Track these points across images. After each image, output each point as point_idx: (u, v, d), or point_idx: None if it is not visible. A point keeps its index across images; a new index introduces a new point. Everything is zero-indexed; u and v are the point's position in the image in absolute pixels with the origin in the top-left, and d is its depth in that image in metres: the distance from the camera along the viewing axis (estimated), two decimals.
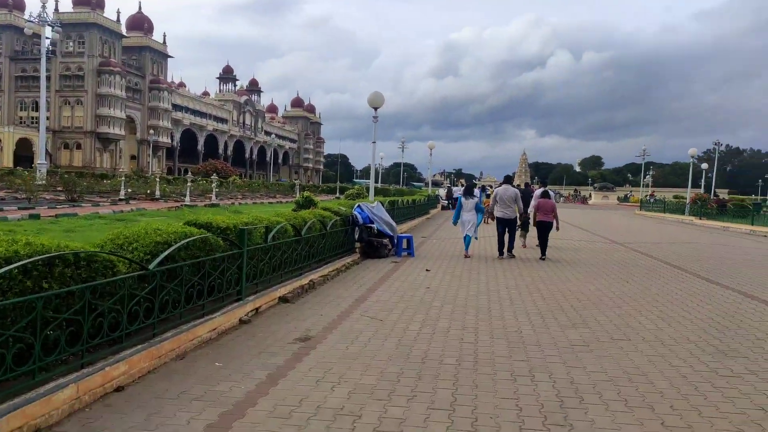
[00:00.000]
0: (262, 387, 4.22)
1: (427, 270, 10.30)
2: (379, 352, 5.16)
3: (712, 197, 38.61)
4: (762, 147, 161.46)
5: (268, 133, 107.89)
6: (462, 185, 43.70)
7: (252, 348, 5.21)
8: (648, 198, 54.23)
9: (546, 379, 4.51)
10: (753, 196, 71.52)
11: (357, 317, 6.50)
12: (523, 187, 16.86)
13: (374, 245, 12.09)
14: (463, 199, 12.87)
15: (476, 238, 12.75)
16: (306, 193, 15.30)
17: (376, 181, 66.16)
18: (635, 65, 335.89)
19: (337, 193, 52.05)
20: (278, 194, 52.49)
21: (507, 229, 12.42)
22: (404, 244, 12.71)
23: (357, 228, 11.86)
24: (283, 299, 7.25)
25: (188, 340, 4.99)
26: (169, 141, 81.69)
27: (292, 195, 48.90)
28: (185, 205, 25.42)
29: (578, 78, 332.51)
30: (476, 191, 13.62)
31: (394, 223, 13.20)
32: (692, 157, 39.48)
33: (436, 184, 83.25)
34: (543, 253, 12.29)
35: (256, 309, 6.52)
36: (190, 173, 44.96)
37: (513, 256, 12.42)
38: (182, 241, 5.13)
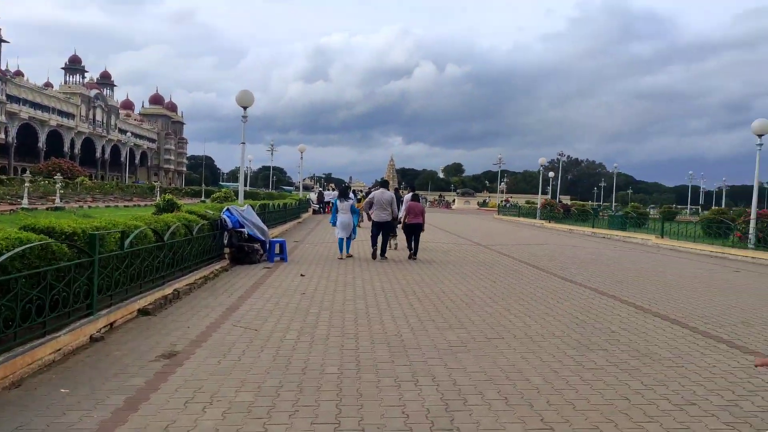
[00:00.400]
0: (119, 414, 3.68)
1: (301, 275, 9.99)
2: (255, 365, 4.79)
3: (558, 203, 42.47)
4: (596, 158, 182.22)
5: (122, 131, 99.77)
6: (332, 189, 43.69)
7: (106, 369, 4.57)
8: (504, 203, 58.34)
9: (429, 382, 4.46)
10: (590, 202, 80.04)
11: (229, 328, 6.04)
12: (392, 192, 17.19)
13: (245, 250, 11.52)
14: (338, 202, 13.04)
15: (353, 238, 13.04)
16: (168, 196, 14.19)
17: (245, 185, 64.05)
18: (491, 80, 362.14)
19: (203, 197, 49.55)
20: (135, 197, 48.77)
21: (381, 232, 12.78)
22: (277, 249, 12.27)
23: (226, 233, 11.22)
24: (144, 311, 6.54)
25: (26, 364, 4.24)
26: (3, 137, 72.18)
27: (151, 198, 45.68)
28: (22, 209, 22.51)
29: (441, 89, 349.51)
30: (351, 195, 13.90)
31: (265, 228, 12.70)
32: (542, 165, 43.07)
33: (307, 188, 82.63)
34: (414, 253, 12.86)
35: (111, 324, 5.80)
36: (28, 172, 40.00)
37: (385, 258, 12.70)
38: (16, 249, 4.37)
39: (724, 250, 16.93)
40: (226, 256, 11.05)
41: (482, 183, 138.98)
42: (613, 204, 74.36)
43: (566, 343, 5.76)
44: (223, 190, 25.05)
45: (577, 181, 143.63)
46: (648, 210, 41.80)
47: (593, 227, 27.25)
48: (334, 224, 13.20)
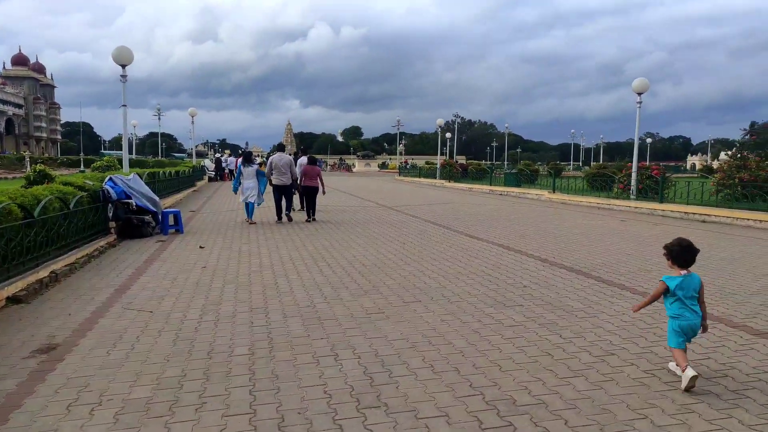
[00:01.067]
0: None
1: (201, 247, 9.29)
2: (151, 353, 4.24)
3: (456, 163, 43.55)
4: (488, 119, 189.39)
5: None
6: (228, 155, 41.83)
7: None
8: (404, 165, 59.07)
9: (350, 355, 4.17)
10: (484, 162, 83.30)
11: (119, 312, 5.36)
12: (291, 156, 17.07)
13: (134, 223, 10.52)
14: (242, 168, 12.94)
15: (259, 204, 13.04)
16: (39, 167, 12.70)
17: (131, 152, 59.50)
18: (387, 43, 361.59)
19: (82, 167, 45.57)
20: (2, 169, 43.89)
21: (283, 195, 12.91)
22: (171, 220, 11.35)
23: (111, 205, 10.15)
24: (14, 299, 5.67)
25: None
26: None
27: (21, 170, 41.36)
28: None
29: (338, 51, 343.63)
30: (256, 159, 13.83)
31: (156, 198, 11.68)
32: (440, 126, 43.76)
33: (200, 154, 78.73)
34: (312, 215, 13.13)
35: None
36: None
37: (291, 221, 12.76)
38: None
39: (609, 202, 18.11)
40: (113, 230, 10.03)
41: (381, 145, 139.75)
42: (506, 163, 77.78)
43: (483, 302, 5.70)
44: (105, 158, 22.93)
45: (471, 142, 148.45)
46: (538, 167, 44.03)
47: (491, 185, 28.20)
48: (235, 191, 13.08)
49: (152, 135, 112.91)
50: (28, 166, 37.61)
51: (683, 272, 3.72)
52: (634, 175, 18.46)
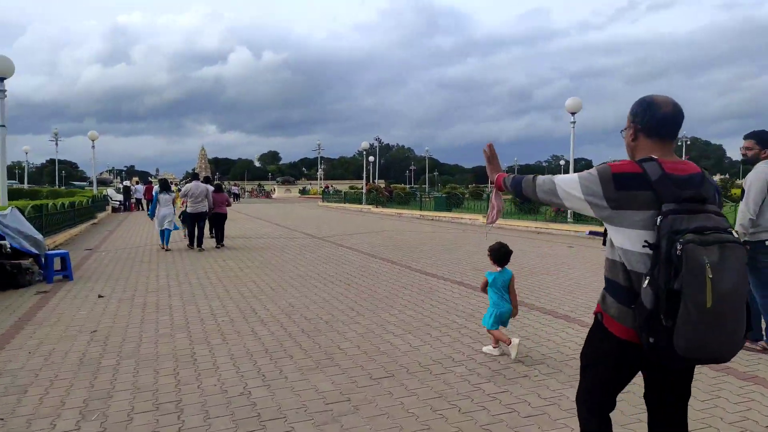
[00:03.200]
0: None
1: (100, 296, 7.45)
2: None
3: (383, 187, 42.66)
4: (406, 143, 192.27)
5: None
6: (137, 183, 38.68)
7: None
8: (326, 190, 57.60)
9: None
10: (402, 185, 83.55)
11: None
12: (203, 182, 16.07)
13: (8, 271, 8.44)
14: (159, 195, 12.98)
15: (177, 228, 13.38)
16: None
17: (22, 182, 53.97)
18: (308, 68, 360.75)
19: None
20: None
21: (197, 224, 12.83)
22: (57, 265, 9.25)
23: None
24: None
25: None
26: None
27: None
28: None
29: (258, 76, 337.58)
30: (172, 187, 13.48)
31: (40, 237, 9.54)
32: (364, 150, 42.82)
33: (104, 182, 73.34)
34: (220, 241, 13.36)
35: None
36: None
37: (203, 250, 12.67)
38: None
39: (548, 226, 17.57)
40: None
41: (300, 170, 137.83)
42: (427, 186, 78.23)
43: (476, 372, 4.37)
44: None
45: (390, 166, 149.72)
46: (463, 190, 43.99)
47: (421, 210, 27.32)
48: (152, 217, 13.25)
49: (52, 162, 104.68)
50: None
51: (498, 269, 4.75)
52: None
